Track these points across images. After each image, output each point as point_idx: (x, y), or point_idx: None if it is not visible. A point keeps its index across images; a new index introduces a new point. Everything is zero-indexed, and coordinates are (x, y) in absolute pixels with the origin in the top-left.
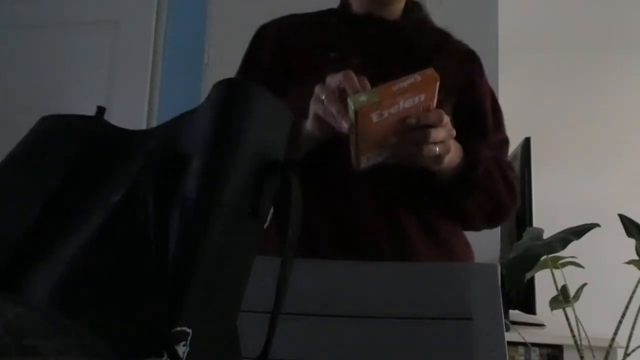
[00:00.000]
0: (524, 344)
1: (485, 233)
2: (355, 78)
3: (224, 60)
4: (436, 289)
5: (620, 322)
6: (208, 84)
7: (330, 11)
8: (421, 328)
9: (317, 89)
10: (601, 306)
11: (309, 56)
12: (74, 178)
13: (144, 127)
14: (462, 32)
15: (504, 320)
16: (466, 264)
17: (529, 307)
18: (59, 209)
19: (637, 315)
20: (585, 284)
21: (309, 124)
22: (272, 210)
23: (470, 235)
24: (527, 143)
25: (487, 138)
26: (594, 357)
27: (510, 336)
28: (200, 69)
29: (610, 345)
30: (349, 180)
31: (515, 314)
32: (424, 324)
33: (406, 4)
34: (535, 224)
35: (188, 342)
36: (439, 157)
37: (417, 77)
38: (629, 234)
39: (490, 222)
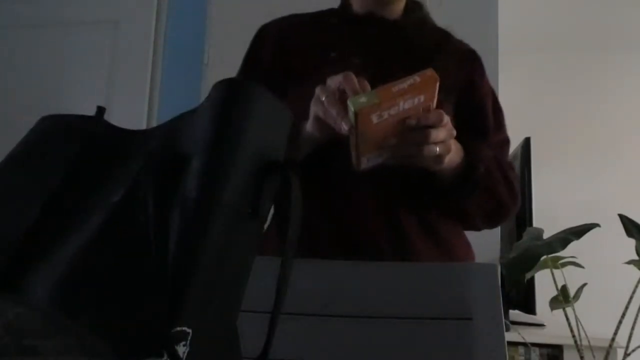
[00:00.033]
0: (524, 344)
1: (485, 233)
2: (355, 80)
3: (224, 60)
4: (436, 289)
5: (620, 322)
6: (208, 84)
7: (330, 11)
8: (421, 328)
9: (318, 90)
10: (601, 306)
11: (309, 56)
12: (74, 178)
13: (144, 127)
14: (462, 32)
15: (504, 320)
16: (466, 264)
17: (529, 307)
18: (59, 209)
19: (637, 315)
20: (585, 284)
21: (309, 126)
22: (272, 210)
23: (470, 235)
24: (527, 143)
25: (488, 138)
26: (594, 357)
27: (510, 336)
28: (200, 69)
29: (610, 345)
30: (349, 180)
31: (515, 314)
32: (424, 324)
33: (407, 3)
34: (535, 224)
35: (188, 342)
36: (439, 157)
37: (416, 78)
38: (629, 234)
39: (490, 222)
